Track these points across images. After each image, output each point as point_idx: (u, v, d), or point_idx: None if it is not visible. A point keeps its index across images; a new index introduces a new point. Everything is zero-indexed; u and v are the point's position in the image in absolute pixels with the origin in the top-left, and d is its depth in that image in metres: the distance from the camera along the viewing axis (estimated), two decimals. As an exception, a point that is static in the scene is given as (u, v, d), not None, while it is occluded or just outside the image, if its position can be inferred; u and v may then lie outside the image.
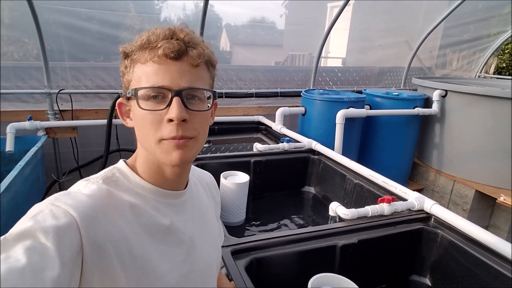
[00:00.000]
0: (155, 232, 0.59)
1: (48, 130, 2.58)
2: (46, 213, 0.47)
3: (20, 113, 2.52)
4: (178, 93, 0.55)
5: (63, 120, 2.66)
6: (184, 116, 0.55)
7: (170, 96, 0.55)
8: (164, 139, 0.56)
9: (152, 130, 0.56)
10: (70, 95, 2.64)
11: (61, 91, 2.59)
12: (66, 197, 0.52)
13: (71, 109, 2.66)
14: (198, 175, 0.80)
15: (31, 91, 2.60)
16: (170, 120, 0.55)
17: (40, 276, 0.41)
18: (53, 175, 2.71)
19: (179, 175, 0.64)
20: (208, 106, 0.60)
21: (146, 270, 0.56)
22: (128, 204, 0.58)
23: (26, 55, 2.64)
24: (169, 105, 0.55)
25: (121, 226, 0.54)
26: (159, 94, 0.56)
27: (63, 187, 2.79)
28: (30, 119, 2.43)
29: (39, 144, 2.27)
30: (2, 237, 0.44)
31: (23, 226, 0.45)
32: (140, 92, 0.56)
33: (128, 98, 0.60)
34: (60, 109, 2.64)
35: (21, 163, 1.89)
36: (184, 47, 0.56)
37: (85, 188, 0.56)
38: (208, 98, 0.60)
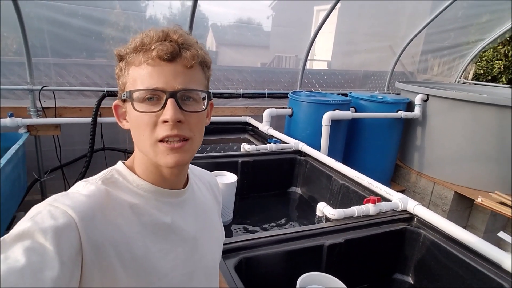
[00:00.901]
0: (156, 231, 0.59)
1: (30, 127, 2.50)
2: (45, 214, 0.48)
3: (0, 109, 2.44)
4: (172, 94, 0.56)
5: (46, 117, 2.59)
6: (179, 118, 0.56)
7: (164, 98, 0.56)
8: (160, 141, 0.56)
9: (147, 131, 0.57)
10: (53, 92, 2.58)
11: (44, 88, 2.53)
12: (65, 197, 0.52)
13: (54, 106, 2.60)
14: (200, 174, 0.81)
15: (13, 87, 2.52)
16: (165, 122, 0.55)
17: (40, 276, 0.41)
18: (35, 174, 2.63)
19: (177, 175, 0.64)
20: (204, 107, 0.61)
21: (148, 268, 0.56)
22: (128, 204, 0.58)
23: (5, 49, 2.55)
24: (163, 106, 0.56)
25: (121, 226, 0.55)
26: (154, 96, 0.56)
27: (44, 186, 2.72)
28: (11, 115, 2.35)
29: (20, 142, 2.20)
30: (1, 238, 0.44)
31: (21, 227, 0.45)
32: (135, 95, 0.57)
33: (124, 101, 0.60)
34: (43, 106, 2.57)
35: (2, 161, 1.83)
36: (177, 49, 0.56)
37: (83, 189, 0.56)
38: (203, 99, 0.61)
